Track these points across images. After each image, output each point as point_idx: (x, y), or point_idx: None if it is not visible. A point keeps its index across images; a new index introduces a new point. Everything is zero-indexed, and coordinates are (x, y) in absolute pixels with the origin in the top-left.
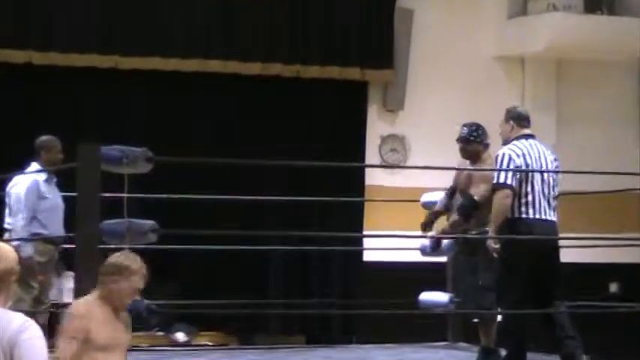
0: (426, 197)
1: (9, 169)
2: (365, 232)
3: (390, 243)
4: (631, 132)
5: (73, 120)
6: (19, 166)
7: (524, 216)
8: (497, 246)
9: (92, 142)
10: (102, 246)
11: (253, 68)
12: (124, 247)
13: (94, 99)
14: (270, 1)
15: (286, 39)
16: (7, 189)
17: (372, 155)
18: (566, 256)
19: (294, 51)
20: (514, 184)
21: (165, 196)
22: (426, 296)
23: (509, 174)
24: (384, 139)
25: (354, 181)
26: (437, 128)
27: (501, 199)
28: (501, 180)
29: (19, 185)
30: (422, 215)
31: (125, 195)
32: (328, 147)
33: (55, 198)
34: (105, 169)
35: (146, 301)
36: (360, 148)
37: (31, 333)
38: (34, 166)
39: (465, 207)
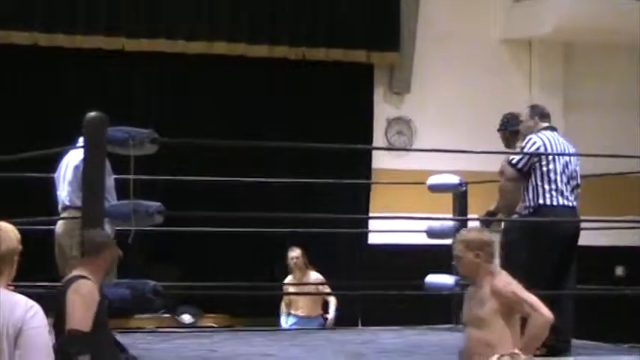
0: (432, 180)
1: (11, 151)
2: (369, 215)
3: (396, 225)
4: (638, 115)
5: (79, 102)
6: (22, 148)
7: (553, 202)
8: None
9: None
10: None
11: (259, 50)
12: (130, 229)
13: (100, 80)
14: None
15: (292, 21)
16: (76, 164)
17: (378, 138)
18: None
19: (300, 33)
20: (525, 168)
21: (171, 177)
22: (432, 279)
23: (524, 160)
24: (390, 122)
25: (361, 164)
26: (443, 111)
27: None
28: (514, 162)
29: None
30: (429, 198)
31: (131, 177)
32: (334, 129)
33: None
34: (111, 151)
35: (152, 283)
36: (366, 130)
37: (36, 322)
38: (80, 142)
39: None
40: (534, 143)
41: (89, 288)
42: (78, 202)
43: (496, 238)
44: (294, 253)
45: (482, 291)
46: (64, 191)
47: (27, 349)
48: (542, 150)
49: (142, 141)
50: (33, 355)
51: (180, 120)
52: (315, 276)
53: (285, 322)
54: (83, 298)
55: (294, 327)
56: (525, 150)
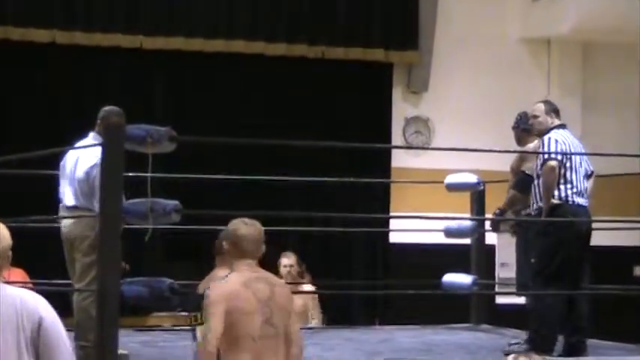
0: (450, 179)
1: (28, 148)
2: (388, 214)
3: (413, 224)
4: None
5: (97, 100)
6: (39, 145)
7: (569, 201)
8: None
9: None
10: (126, 226)
11: (277, 49)
12: (147, 227)
13: (118, 79)
14: None
15: (310, 19)
16: (86, 169)
17: (396, 137)
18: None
19: (319, 31)
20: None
21: (189, 176)
22: (450, 278)
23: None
24: (408, 121)
25: (380, 163)
26: (461, 110)
27: (549, 170)
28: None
29: (95, 165)
30: (446, 197)
31: (149, 175)
32: (352, 128)
33: None
34: (129, 149)
35: (169, 281)
36: (384, 130)
37: (51, 312)
38: (90, 137)
39: (522, 181)
40: (556, 142)
41: None
42: (87, 204)
43: (507, 237)
44: (289, 260)
45: None
46: (70, 189)
47: (54, 340)
48: (561, 146)
49: (161, 139)
50: (61, 344)
51: (197, 118)
52: (307, 288)
53: None
54: None
55: None
56: (546, 148)
